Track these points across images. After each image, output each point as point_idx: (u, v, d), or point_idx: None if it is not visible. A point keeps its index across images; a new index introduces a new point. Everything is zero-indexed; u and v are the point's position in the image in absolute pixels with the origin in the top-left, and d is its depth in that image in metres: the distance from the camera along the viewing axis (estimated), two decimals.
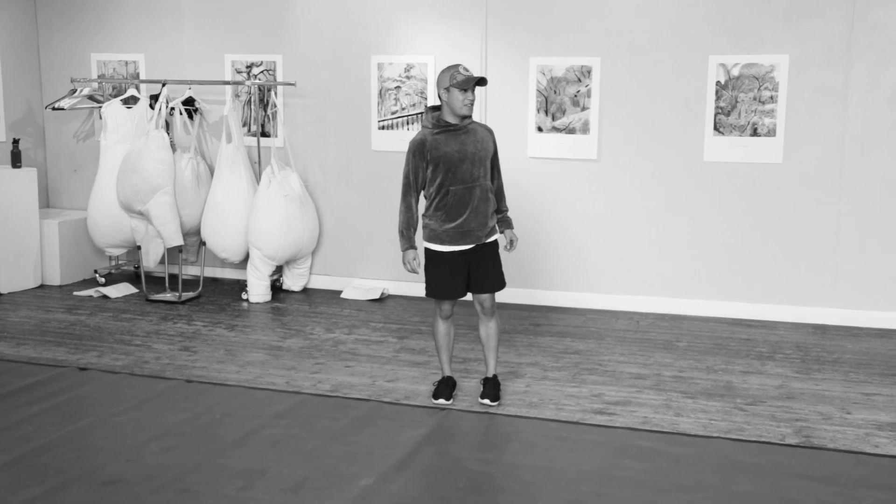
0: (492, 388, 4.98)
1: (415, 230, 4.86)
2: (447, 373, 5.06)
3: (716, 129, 6.57)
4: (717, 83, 6.52)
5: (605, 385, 5.26)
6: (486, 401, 4.92)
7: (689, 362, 5.70)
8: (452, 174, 4.71)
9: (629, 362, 5.70)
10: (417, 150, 4.74)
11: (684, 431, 4.57)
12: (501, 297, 6.77)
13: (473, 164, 4.73)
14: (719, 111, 6.55)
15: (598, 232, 6.95)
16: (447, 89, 4.65)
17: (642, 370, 5.54)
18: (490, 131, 4.89)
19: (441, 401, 4.93)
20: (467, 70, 4.68)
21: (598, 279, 7.00)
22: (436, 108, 4.79)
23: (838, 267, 6.51)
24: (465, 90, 4.63)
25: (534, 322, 6.63)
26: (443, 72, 4.69)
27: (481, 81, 4.66)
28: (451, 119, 4.72)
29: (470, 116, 4.77)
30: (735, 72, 6.47)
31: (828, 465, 4.18)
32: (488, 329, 5.00)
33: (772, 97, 6.43)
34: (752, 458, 4.24)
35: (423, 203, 4.89)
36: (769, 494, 3.87)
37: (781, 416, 4.77)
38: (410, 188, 4.81)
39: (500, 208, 4.98)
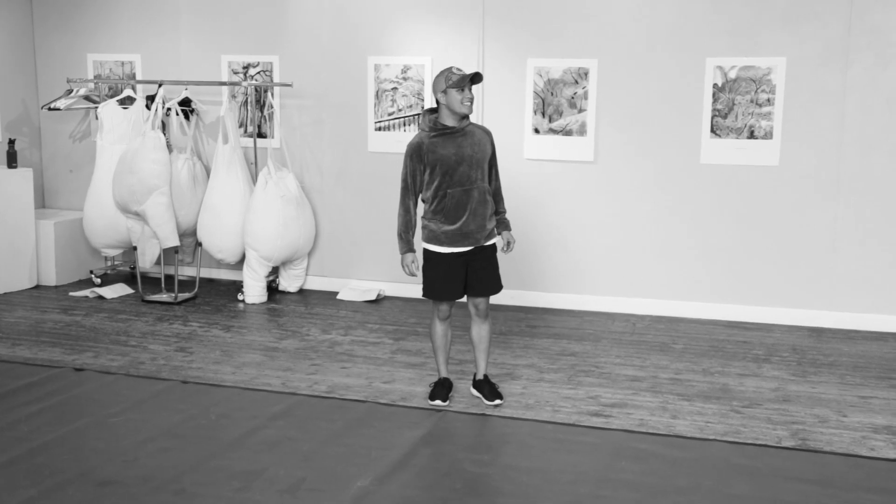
0: (490, 387, 5.00)
1: (413, 233, 4.87)
2: (444, 374, 5.06)
3: (712, 131, 6.57)
4: (714, 85, 6.52)
5: (601, 387, 5.26)
6: (497, 401, 4.93)
7: (685, 364, 5.70)
8: (450, 177, 4.71)
9: (626, 364, 5.70)
10: (414, 154, 4.75)
11: (681, 434, 4.57)
12: (497, 298, 6.79)
13: (471, 167, 4.73)
14: (716, 113, 6.55)
15: (595, 234, 6.95)
16: (444, 92, 4.66)
17: (639, 372, 5.54)
18: (488, 133, 4.90)
19: (437, 402, 4.92)
20: (460, 70, 4.70)
21: (594, 281, 7.00)
22: (433, 111, 4.80)
23: (835, 269, 6.51)
24: (462, 89, 4.64)
25: (530, 324, 6.63)
26: (437, 77, 4.70)
27: (476, 77, 4.67)
28: (448, 122, 4.73)
29: (469, 117, 4.78)
30: (732, 74, 6.48)
31: (824, 468, 4.18)
32: (481, 331, 5.00)
33: (769, 100, 6.44)
34: (749, 461, 4.24)
35: (422, 205, 4.90)
36: (765, 497, 3.87)
37: (778, 419, 4.77)
38: (408, 191, 4.81)
39: (498, 210, 4.98)
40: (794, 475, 4.10)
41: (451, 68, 4.69)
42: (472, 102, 4.68)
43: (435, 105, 4.80)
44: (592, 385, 5.30)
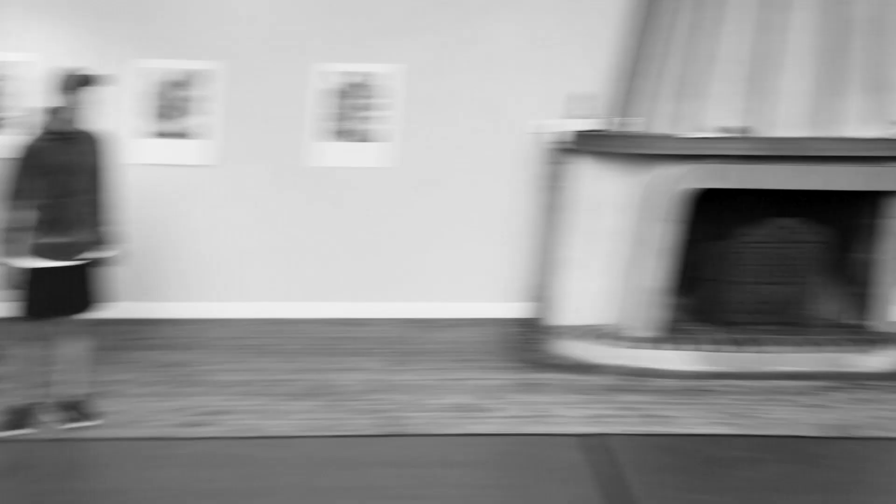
0: (78, 409, 4.76)
1: (20, 242, 4.48)
2: (28, 400, 4.70)
3: (321, 135, 6.72)
4: (325, 91, 6.66)
5: (203, 396, 5.17)
6: (84, 422, 4.70)
7: (287, 365, 5.76)
8: (54, 184, 4.45)
9: (228, 370, 5.64)
10: (27, 158, 4.42)
11: (276, 434, 4.62)
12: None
13: (72, 175, 4.50)
14: (326, 118, 6.71)
15: (202, 239, 6.79)
16: (62, 95, 4.41)
17: (241, 377, 5.51)
18: (97, 140, 4.66)
19: (18, 431, 4.58)
20: (79, 72, 4.47)
21: (199, 287, 6.84)
22: (50, 112, 4.48)
23: (434, 263, 6.93)
24: (72, 93, 4.41)
25: (126, 337, 6.21)
26: (57, 79, 4.44)
27: (87, 80, 4.46)
28: (58, 126, 4.46)
29: (78, 122, 4.51)
30: (343, 80, 6.63)
31: (410, 450, 4.46)
32: (75, 349, 4.76)
33: (377, 105, 6.72)
34: (342, 453, 4.40)
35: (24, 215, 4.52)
36: (356, 486, 4.04)
37: (371, 409, 5.00)
38: (17, 197, 4.44)
39: (103, 223, 4.73)
40: (381, 460, 4.33)
41: (71, 70, 4.45)
42: (79, 108, 4.44)
43: (53, 107, 4.49)
44: (193, 395, 5.19)
